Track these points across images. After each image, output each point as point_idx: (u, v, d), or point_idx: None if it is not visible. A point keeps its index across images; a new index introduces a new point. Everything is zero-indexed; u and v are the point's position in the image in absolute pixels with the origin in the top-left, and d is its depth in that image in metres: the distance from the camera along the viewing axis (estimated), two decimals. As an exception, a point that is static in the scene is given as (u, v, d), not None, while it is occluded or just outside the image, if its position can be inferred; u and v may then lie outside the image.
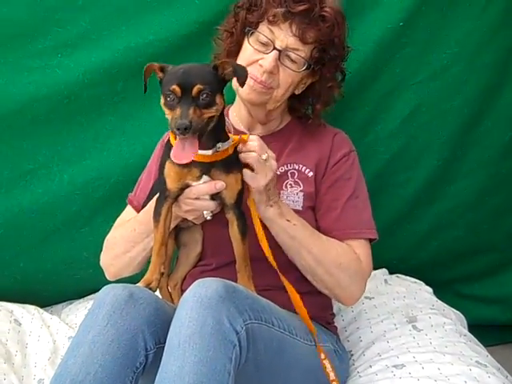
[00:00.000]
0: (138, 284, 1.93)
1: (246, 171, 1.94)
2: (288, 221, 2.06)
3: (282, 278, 2.03)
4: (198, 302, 1.75)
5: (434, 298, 2.67)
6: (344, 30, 2.21)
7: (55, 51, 2.59)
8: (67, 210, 2.71)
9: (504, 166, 2.83)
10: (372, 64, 2.63)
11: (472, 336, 2.43)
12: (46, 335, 2.57)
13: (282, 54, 2.12)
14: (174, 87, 1.75)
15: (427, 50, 2.64)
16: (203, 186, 1.90)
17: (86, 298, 2.88)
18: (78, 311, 2.75)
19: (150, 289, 1.91)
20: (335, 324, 2.35)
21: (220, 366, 1.67)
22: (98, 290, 2.83)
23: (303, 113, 2.34)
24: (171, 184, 1.91)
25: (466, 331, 2.47)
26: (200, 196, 1.92)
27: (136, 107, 2.64)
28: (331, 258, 2.10)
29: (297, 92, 2.24)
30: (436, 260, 2.96)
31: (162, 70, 1.83)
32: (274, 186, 2.02)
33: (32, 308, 2.72)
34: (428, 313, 2.50)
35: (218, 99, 1.80)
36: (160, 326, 1.84)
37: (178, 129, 1.72)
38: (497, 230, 2.93)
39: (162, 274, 1.96)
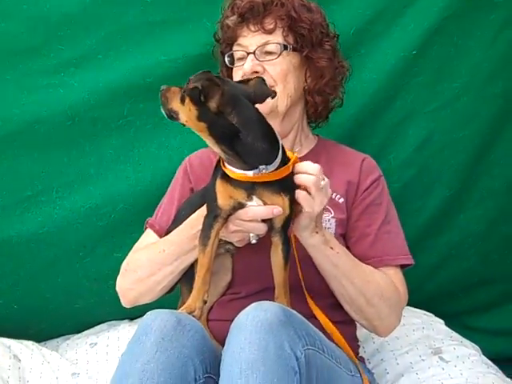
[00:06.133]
0: (179, 310, 1.79)
1: (300, 192, 1.80)
2: (331, 248, 1.95)
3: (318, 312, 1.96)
4: (258, 325, 1.63)
5: (450, 330, 2.59)
6: (303, 8, 2.14)
7: (58, 70, 2.46)
8: (68, 239, 2.55)
9: (514, 195, 2.81)
10: (385, 92, 2.59)
11: (497, 367, 2.37)
12: (48, 372, 2.39)
13: (257, 54, 2.09)
14: None
15: (439, 79, 2.61)
16: (261, 209, 1.76)
17: (84, 332, 2.70)
18: (78, 347, 2.57)
19: (193, 317, 1.78)
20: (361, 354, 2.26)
21: None
22: (96, 324, 2.75)
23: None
24: (223, 200, 1.78)
25: (491, 363, 2.40)
26: (255, 218, 1.79)
27: (143, 131, 2.52)
28: (373, 288, 2.01)
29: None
30: (444, 291, 2.89)
31: None
32: (323, 212, 1.91)
33: (30, 343, 2.52)
34: (450, 344, 2.43)
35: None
36: (207, 354, 1.73)
37: None
38: (507, 260, 2.89)
39: (205, 302, 1.81)
